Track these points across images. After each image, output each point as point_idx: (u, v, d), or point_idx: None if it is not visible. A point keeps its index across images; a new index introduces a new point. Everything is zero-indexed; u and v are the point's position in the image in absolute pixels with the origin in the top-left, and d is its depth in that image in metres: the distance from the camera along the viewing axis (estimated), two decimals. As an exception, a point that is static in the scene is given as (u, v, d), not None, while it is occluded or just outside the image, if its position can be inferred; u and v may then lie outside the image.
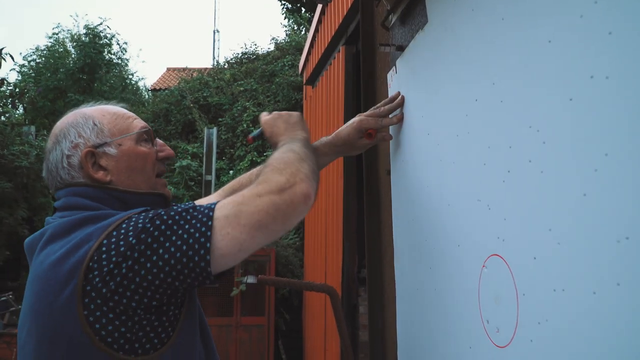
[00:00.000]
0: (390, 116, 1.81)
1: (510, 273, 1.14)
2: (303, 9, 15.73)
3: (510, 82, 1.14)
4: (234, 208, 1.20)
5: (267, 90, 11.87)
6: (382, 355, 2.27)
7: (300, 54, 11.10)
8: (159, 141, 1.50)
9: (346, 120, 3.92)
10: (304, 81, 6.66)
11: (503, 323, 1.18)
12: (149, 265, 1.16)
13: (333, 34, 4.39)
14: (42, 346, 1.22)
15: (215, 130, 10.58)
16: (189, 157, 11.09)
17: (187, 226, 1.19)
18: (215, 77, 13.50)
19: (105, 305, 1.16)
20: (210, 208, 1.22)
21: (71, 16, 27.31)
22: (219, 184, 10.54)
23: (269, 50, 14.00)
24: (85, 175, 1.36)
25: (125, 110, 1.48)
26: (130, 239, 1.17)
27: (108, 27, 14.70)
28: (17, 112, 12.68)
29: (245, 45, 17.20)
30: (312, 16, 10.74)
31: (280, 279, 2.35)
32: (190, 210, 1.22)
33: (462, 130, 1.36)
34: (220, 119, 12.01)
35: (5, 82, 9.54)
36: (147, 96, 16.92)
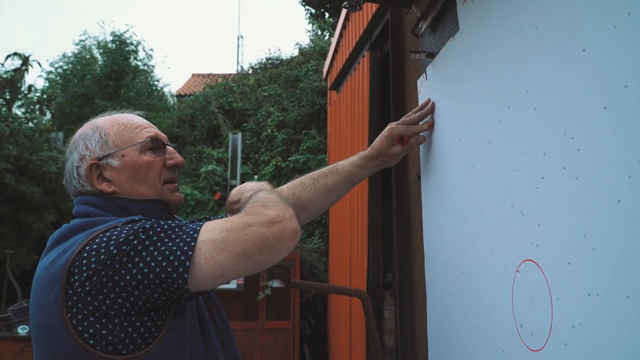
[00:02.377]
0: (420, 123, 1.83)
1: (545, 278, 1.16)
2: (327, 14, 15.77)
3: (544, 90, 1.16)
4: (221, 233, 1.22)
5: (291, 96, 11.92)
6: (413, 359, 2.29)
7: (324, 59, 11.13)
8: (170, 149, 1.52)
9: (371, 125, 3.94)
10: (328, 86, 6.69)
11: (537, 327, 1.19)
12: (127, 277, 1.19)
13: (357, 39, 4.41)
14: (38, 345, 1.30)
15: (240, 135, 10.68)
16: (214, 162, 11.19)
17: (170, 243, 1.21)
18: (240, 83, 13.60)
19: (85, 308, 1.20)
20: (196, 230, 1.24)
21: (97, 23, 27.69)
22: (244, 189, 10.57)
23: (293, 55, 14.07)
24: (91, 185, 1.43)
25: (138, 120, 1.52)
26: (112, 248, 1.20)
27: (134, 34, 15.03)
28: (45, 118, 12.91)
29: (269, 51, 17.33)
30: (336, 21, 10.78)
31: (312, 282, 2.38)
32: (176, 229, 1.24)
33: (495, 137, 1.38)
34: (244, 124, 12.09)
35: (32, 88, 9.73)
36: (172, 102, 17.10)
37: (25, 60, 9.12)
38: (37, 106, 11.42)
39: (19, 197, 8.06)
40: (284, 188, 1.90)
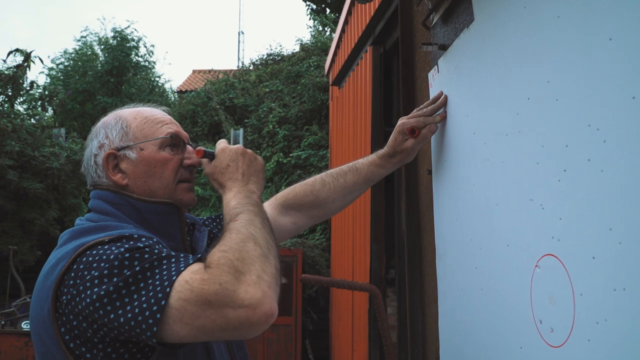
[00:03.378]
0: (432, 116, 1.81)
1: (566, 273, 1.13)
2: (328, 10, 15.74)
3: (567, 80, 1.13)
4: (178, 302, 1.08)
5: (293, 91, 11.88)
6: (422, 356, 2.27)
7: (326, 54, 11.10)
8: (189, 148, 1.49)
9: (373, 120, 3.92)
10: (330, 82, 6.67)
11: (558, 323, 1.17)
12: (102, 314, 1.12)
13: (360, 34, 4.39)
14: (37, 353, 1.28)
15: (241, 131, 10.66)
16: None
17: (143, 298, 1.10)
18: (241, 79, 13.57)
19: (72, 330, 1.18)
20: (171, 282, 1.10)
21: (98, 19, 27.65)
22: (246, 185, 10.55)
23: (294, 51, 14.03)
24: (106, 176, 1.41)
25: (161, 115, 1.49)
26: (90, 280, 1.14)
27: (135, 30, 14.97)
28: (47, 114, 12.88)
29: (270, 47, 17.35)
30: (338, 17, 10.73)
31: (323, 278, 2.36)
32: (156, 276, 1.12)
33: (513, 129, 1.36)
34: (246, 120, 12.06)
35: (35, 84, 9.70)
36: (173, 98, 17.08)
37: (27, 57, 9.08)
38: (39, 102, 11.37)
39: (22, 193, 8.05)
40: (298, 186, 1.88)
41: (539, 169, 1.24)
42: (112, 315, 1.11)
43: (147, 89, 15.14)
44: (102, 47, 14.72)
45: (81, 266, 1.16)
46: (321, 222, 8.82)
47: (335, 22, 13.59)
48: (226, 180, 1.41)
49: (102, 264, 1.14)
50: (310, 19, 16.48)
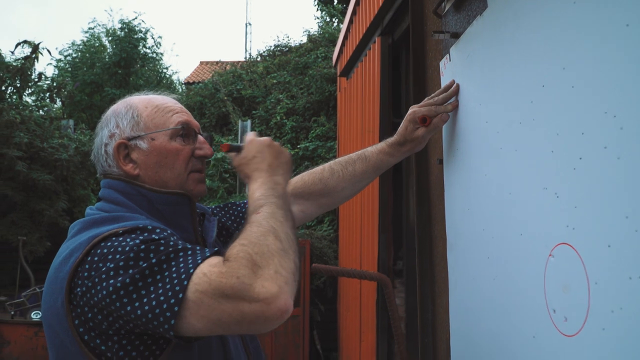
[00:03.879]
0: (444, 105, 1.80)
1: (581, 261, 1.12)
2: (335, 1, 15.67)
3: (583, 67, 1.12)
4: (196, 294, 1.07)
5: (300, 83, 11.86)
6: (432, 346, 2.26)
7: (333, 45, 11.06)
8: (201, 138, 1.47)
9: (382, 111, 3.90)
10: (338, 73, 6.64)
11: (572, 312, 1.16)
12: (119, 307, 1.12)
13: (368, 25, 4.36)
14: (49, 344, 1.28)
15: (249, 122, 10.64)
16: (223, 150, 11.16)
17: (160, 291, 1.09)
18: (248, 70, 13.55)
19: (87, 322, 1.17)
20: (189, 274, 1.09)
21: (106, 11, 27.64)
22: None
23: (302, 42, 13.99)
24: (117, 165, 1.40)
25: (172, 103, 1.47)
26: (105, 272, 1.13)
27: (143, 21, 14.97)
28: (55, 106, 12.92)
29: (278, 38, 17.32)
30: (345, 8, 10.68)
31: (333, 267, 2.36)
32: (173, 268, 1.11)
33: (527, 117, 1.34)
34: (253, 112, 12.05)
35: (43, 76, 9.71)
36: (181, 90, 17.08)
37: (35, 48, 9.09)
38: (47, 94, 11.39)
39: (31, 184, 8.07)
40: (306, 174, 1.87)
41: (554, 157, 1.22)
42: (128, 308, 1.10)
43: (155, 81, 15.14)
44: (110, 38, 14.73)
45: (95, 258, 1.15)
46: (329, 211, 8.82)
47: (343, 13, 13.54)
48: (252, 171, 1.40)
49: (118, 256, 1.13)
50: (317, 9, 16.42)
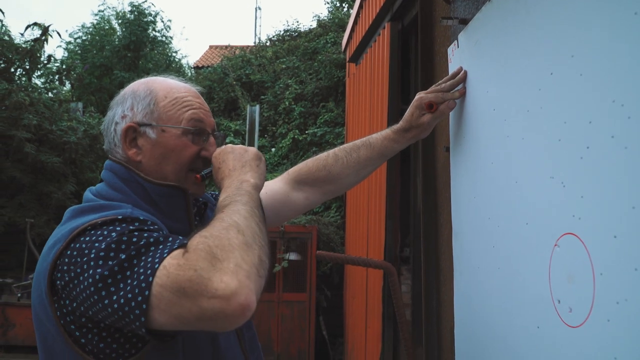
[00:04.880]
0: (451, 92, 1.78)
1: (587, 252, 1.11)
2: (346, -14, 15.56)
3: (592, 55, 1.10)
4: (154, 287, 1.04)
5: (309, 68, 11.82)
6: (437, 334, 2.26)
7: (343, 31, 11.00)
8: (211, 140, 1.46)
9: (390, 97, 3.88)
10: (347, 58, 6.61)
11: (577, 303, 1.15)
12: (93, 302, 1.11)
13: (378, 10, 4.33)
14: (37, 331, 1.28)
15: (257, 107, 10.62)
16: (232, 134, 11.18)
17: (128, 287, 1.07)
18: (258, 55, 13.52)
19: (71, 314, 1.17)
20: (154, 269, 1.06)
21: (116, -7, 27.57)
22: (261, 162, 10.58)
23: (311, 27, 13.94)
24: (122, 148, 1.40)
25: (192, 97, 1.45)
26: (81, 266, 1.12)
27: (152, 4, 14.93)
28: (65, 88, 12.94)
29: (287, 23, 17.22)
30: (356, -7, 10.60)
31: (338, 254, 2.36)
32: (142, 263, 1.08)
33: (534, 105, 1.33)
34: (262, 97, 12.04)
35: (52, 58, 9.72)
36: (190, 74, 17.06)
37: (45, 31, 9.09)
38: (57, 76, 11.42)
39: (39, 167, 8.12)
40: (310, 161, 1.85)
41: (561, 146, 1.21)
42: (105, 302, 1.08)
43: (164, 65, 15.13)
44: (120, 21, 14.71)
45: (74, 252, 1.14)
46: (335, 198, 8.82)
47: (353, -2, 13.45)
48: (220, 180, 1.37)
49: (94, 251, 1.11)
50: (327, -6, 16.30)
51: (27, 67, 9.02)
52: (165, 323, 1.05)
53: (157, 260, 1.07)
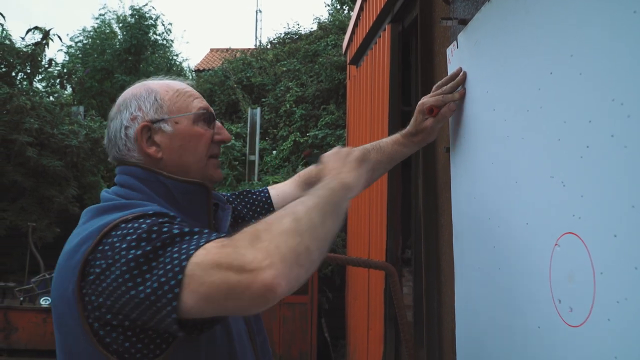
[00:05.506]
0: (452, 94, 1.78)
1: (587, 251, 1.11)
2: (346, -12, 15.57)
3: (591, 54, 1.10)
4: (188, 266, 1.04)
5: (310, 70, 11.82)
6: (438, 335, 2.26)
7: (344, 33, 11.00)
8: (218, 124, 1.49)
9: (391, 99, 3.88)
10: (348, 61, 6.61)
11: (577, 302, 1.15)
12: (126, 295, 1.11)
13: (379, 12, 4.33)
14: (58, 332, 1.26)
15: (258, 110, 10.64)
16: (233, 137, 11.19)
17: (161, 272, 1.07)
18: (258, 58, 13.52)
19: (97, 310, 1.16)
20: (189, 254, 1.06)
21: (116, -4, 27.58)
22: (262, 164, 10.60)
23: (312, 30, 13.95)
24: (139, 149, 1.39)
25: (190, 89, 1.48)
26: (111, 259, 1.12)
27: (153, 7, 14.97)
28: (66, 92, 12.95)
29: (288, 25, 17.26)
30: (356, -5, 10.61)
31: (339, 255, 2.36)
32: (175, 249, 1.09)
33: (534, 105, 1.33)
34: (263, 99, 12.04)
35: (53, 62, 9.74)
36: (191, 77, 17.08)
37: (46, 34, 9.10)
38: (58, 80, 11.43)
39: (41, 170, 8.12)
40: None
41: (561, 146, 1.21)
42: (138, 288, 1.09)
43: (165, 68, 15.15)
44: (120, 25, 14.73)
45: (107, 247, 1.14)
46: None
47: (354, 1, 13.46)
48: (322, 173, 1.39)
49: (125, 242, 1.12)
50: (328, -3, 16.33)
51: (28, 71, 9.03)
52: (193, 306, 1.04)
53: (192, 247, 1.07)
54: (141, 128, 1.38)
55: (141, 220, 1.17)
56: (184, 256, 1.06)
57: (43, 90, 11.22)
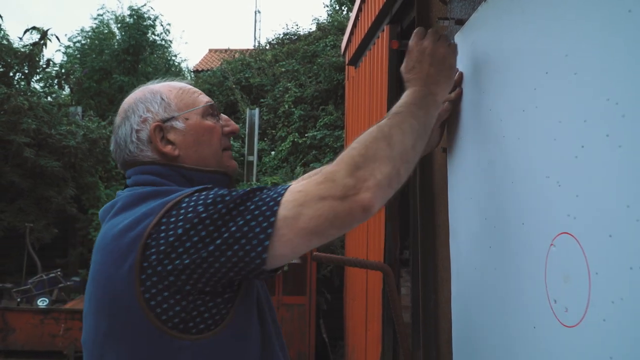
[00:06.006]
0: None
1: (582, 251, 1.11)
2: (345, -11, 15.57)
3: (586, 54, 1.10)
4: (294, 209, 1.15)
5: (309, 71, 11.83)
6: (435, 336, 2.25)
7: (342, 34, 11.01)
8: (224, 116, 1.51)
9: (390, 100, 3.87)
10: (347, 61, 6.61)
11: (573, 302, 1.14)
12: (204, 253, 1.15)
13: (377, 12, 4.33)
14: (100, 317, 1.25)
15: (257, 111, 10.63)
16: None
17: (248, 217, 1.16)
18: (257, 58, 13.52)
19: (160, 283, 1.16)
20: (277, 201, 1.17)
21: (115, -3, 27.69)
22: (261, 165, 10.60)
23: (311, 30, 13.95)
24: (154, 149, 1.39)
25: (190, 86, 1.50)
26: (188, 223, 1.16)
27: (152, 8, 14.90)
28: (64, 92, 12.93)
29: (287, 26, 17.26)
30: (355, -4, 10.62)
31: (335, 256, 2.35)
32: (256, 199, 1.18)
33: (530, 105, 1.32)
34: (262, 100, 12.04)
35: (51, 62, 9.73)
36: (189, 77, 17.06)
37: (44, 35, 9.10)
38: (56, 80, 11.41)
39: (38, 171, 8.12)
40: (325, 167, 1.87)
41: (556, 146, 1.20)
42: (228, 242, 1.14)
43: (164, 68, 15.11)
44: (119, 25, 14.69)
45: (172, 219, 1.17)
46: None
47: (352, 1, 13.46)
48: (410, 79, 1.49)
49: (199, 207, 1.17)
50: (327, -2, 16.33)
51: (26, 71, 9.03)
52: (300, 243, 1.16)
53: (275, 194, 1.18)
54: (154, 128, 1.39)
55: (204, 192, 1.21)
56: (271, 203, 1.16)
57: (41, 90, 11.20)
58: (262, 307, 1.39)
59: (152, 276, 1.16)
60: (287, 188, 1.20)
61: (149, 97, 1.44)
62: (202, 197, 1.20)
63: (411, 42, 1.54)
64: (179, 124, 1.41)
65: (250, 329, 1.30)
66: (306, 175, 1.89)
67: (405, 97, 1.42)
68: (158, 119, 1.40)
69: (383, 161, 1.19)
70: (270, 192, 1.20)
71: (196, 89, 1.50)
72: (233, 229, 1.15)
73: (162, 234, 1.16)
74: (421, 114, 1.37)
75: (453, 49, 1.57)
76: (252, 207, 1.17)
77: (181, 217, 1.17)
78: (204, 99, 1.48)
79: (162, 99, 1.43)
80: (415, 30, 1.55)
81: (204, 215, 1.16)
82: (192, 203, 1.19)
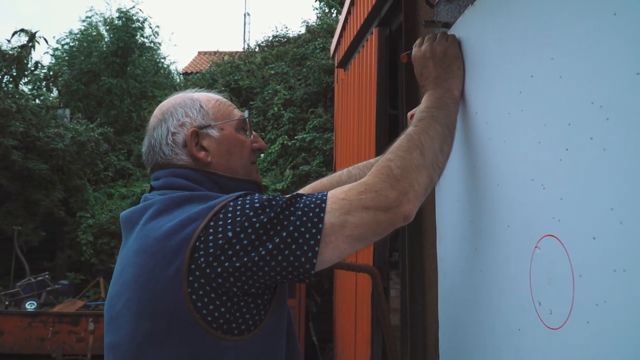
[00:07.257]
0: None
1: (566, 253, 1.11)
2: (334, -8, 15.59)
3: (571, 57, 1.10)
4: (340, 217, 1.22)
5: (298, 74, 11.81)
6: (422, 338, 2.26)
7: (332, 36, 11.01)
8: (254, 133, 1.55)
9: (378, 103, 3.89)
10: (336, 64, 6.61)
11: (557, 305, 1.15)
12: (255, 257, 1.19)
13: (366, 15, 4.34)
14: (141, 318, 1.26)
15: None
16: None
17: (298, 222, 1.21)
18: (246, 61, 13.50)
19: (208, 285, 1.20)
20: (322, 207, 1.23)
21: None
22: (250, 167, 10.55)
23: (300, 33, 13.94)
24: (188, 153, 1.43)
25: (225, 99, 1.55)
26: (238, 226, 1.20)
27: (140, 10, 14.82)
28: (52, 95, 12.86)
29: (276, 28, 17.27)
30: (344, -2, 10.63)
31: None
32: (301, 205, 1.23)
33: (515, 108, 1.33)
34: (251, 102, 12.01)
35: (39, 65, 9.68)
36: (178, 80, 17.01)
37: (32, 37, 9.05)
38: (44, 83, 11.35)
39: (26, 174, 8.07)
40: (325, 179, 1.93)
41: (541, 148, 1.21)
42: (278, 245, 1.19)
43: (152, 70, 15.06)
44: (107, 27, 14.62)
45: (220, 222, 1.21)
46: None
47: (342, 4, 13.48)
48: (423, 83, 1.58)
49: (247, 211, 1.22)
50: (316, 0, 16.35)
51: (14, 73, 8.98)
52: (346, 248, 1.24)
53: (319, 201, 1.24)
54: (190, 133, 1.43)
55: (249, 197, 1.26)
56: (317, 210, 1.22)
57: (29, 93, 11.14)
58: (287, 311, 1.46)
59: (200, 278, 1.20)
60: (326, 194, 1.26)
61: (189, 103, 1.48)
62: (248, 201, 1.25)
63: (413, 53, 1.62)
64: (214, 133, 1.44)
65: (280, 326, 1.36)
66: (324, 180, 1.93)
67: (424, 101, 1.51)
68: (195, 125, 1.44)
69: (419, 171, 1.30)
70: (310, 197, 1.26)
71: (231, 103, 1.55)
72: (284, 233, 1.20)
73: (211, 237, 1.20)
74: (442, 115, 1.46)
75: (451, 40, 1.61)
76: (299, 213, 1.22)
77: (229, 221, 1.21)
78: (239, 113, 1.53)
79: (201, 106, 1.47)
80: (414, 44, 1.63)
81: (254, 219, 1.21)
82: (239, 207, 1.23)
